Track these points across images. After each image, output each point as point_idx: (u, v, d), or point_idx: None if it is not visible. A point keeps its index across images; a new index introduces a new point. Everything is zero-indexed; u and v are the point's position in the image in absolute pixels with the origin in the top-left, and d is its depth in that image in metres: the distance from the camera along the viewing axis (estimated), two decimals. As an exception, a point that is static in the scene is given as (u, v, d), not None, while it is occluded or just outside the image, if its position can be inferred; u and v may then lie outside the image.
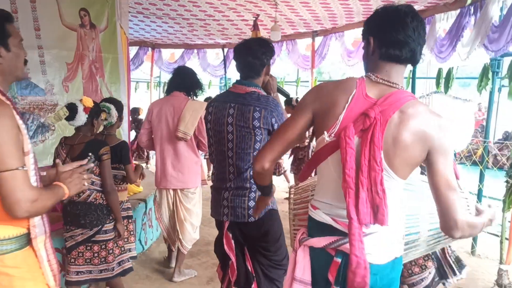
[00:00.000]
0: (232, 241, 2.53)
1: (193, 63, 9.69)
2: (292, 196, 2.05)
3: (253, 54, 2.42)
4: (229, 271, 2.57)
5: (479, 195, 4.65)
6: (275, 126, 2.37)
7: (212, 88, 11.96)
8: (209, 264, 4.21)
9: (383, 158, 1.46)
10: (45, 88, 3.59)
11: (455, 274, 2.69)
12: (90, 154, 1.88)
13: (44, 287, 1.68)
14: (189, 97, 3.63)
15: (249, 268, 2.54)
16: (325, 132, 1.53)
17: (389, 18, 1.56)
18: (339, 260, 1.54)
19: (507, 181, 3.64)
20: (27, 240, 1.62)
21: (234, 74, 12.35)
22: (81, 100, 2.73)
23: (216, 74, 9.79)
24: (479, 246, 4.63)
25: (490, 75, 4.44)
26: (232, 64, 9.61)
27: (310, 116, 1.63)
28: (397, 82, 1.56)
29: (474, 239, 4.62)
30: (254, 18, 6.12)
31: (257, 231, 2.48)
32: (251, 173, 2.40)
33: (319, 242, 1.59)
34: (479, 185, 4.59)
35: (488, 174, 4.84)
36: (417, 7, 5.21)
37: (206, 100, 7.66)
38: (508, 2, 3.92)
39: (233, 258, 2.53)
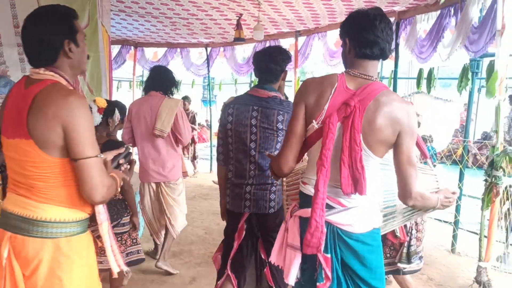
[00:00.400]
0: (244, 232, 2.75)
1: (176, 62, 9.64)
2: (284, 179, 2.35)
3: (275, 60, 2.64)
4: (231, 255, 2.79)
5: (459, 194, 4.73)
6: None
7: (195, 87, 11.91)
8: (192, 264, 4.20)
9: (362, 140, 1.74)
10: (24, 86, 3.53)
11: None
12: (126, 145, 2.06)
13: (96, 275, 1.82)
14: (166, 96, 3.84)
15: (263, 256, 2.80)
16: (314, 121, 1.82)
17: (360, 21, 1.83)
18: (325, 229, 1.76)
19: (485, 180, 3.71)
20: (87, 225, 1.77)
21: (217, 74, 12.35)
22: (94, 101, 2.89)
23: (199, 73, 9.75)
24: (458, 244, 4.71)
25: (469, 76, 4.52)
26: (215, 64, 9.60)
27: (304, 109, 1.88)
28: (372, 75, 1.84)
29: (454, 237, 4.70)
30: (237, 18, 6.12)
31: (273, 221, 2.70)
32: None
33: (307, 212, 1.80)
34: (459, 184, 4.67)
35: (468, 173, 4.93)
36: (398, 8, 5.28)
37: (182, 98, 7.89)
38: (487, 4, 3.99)
39: (235, 247, 2.75)
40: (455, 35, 4.39)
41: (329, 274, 1.79)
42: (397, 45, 5.45)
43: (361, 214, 1.82)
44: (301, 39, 7.32)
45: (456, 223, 4.71)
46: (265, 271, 2.78)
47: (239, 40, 6.24)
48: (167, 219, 3.97)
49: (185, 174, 4.27)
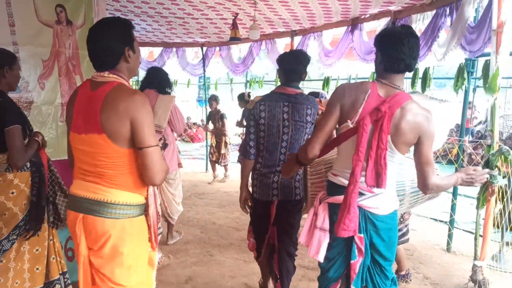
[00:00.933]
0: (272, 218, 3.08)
1: (172, 62, 9.62)
2: (308, 169, 2.65)
3: (301, 62, 2.99)
4: (266, 239, 3.15)
5: (454, 193, 4.75)
6: None
7: (191, 87, 11.89)
8: (188, 263, 4.20)
9: (390, 140, 2.10)
10: (20, 85, 3.48)
11: None
12: (162, 137, 2.32)
13: (147, 253, 2.11)
14: (159, 94, 4.04)
15: (275, 245, 3.15)
16: (348, 121, 2.15)
17: (391, 40, 2.15)
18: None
19: (481, 179, 3.71)
20: (144, 208, 2.07)
21: (212, 73, 12.32)
22: None
23: (195, 73, 9.73)
24: (454, 243, 4.73)
25: (465, 75, 4.53)
26: (211, 63, 9.59)
27: (339, 109, 2.20)
28: (398, 85, 2.18)
29: (450, 236, 4.71)
30: (233, 17, 6.11)
31: (297, 207, 3.07)
32: None
33: (338, 199, 2.19)
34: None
35: (463, 172, 4.93)
36: (393, 7, 5.29)
37: (210, 98, 8.08)
38: (484, 3, 4.01)
39: (270, 231, 3.13)
40: (450, 34, 4.40)
41: (363, 251, 2.18)
42: (392, 44, 5.46)
43: (385, 199, 2.21)
44: (297, 39, 7.32)
45: (451, 222, 4.73)
46: (274, 257, 3.18)
47: (235, 39, 6.24)
48: (166, 214, 4.43)
49: (179, 165, 4.53)
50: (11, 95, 3.44)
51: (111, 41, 1.93)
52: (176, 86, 11.89)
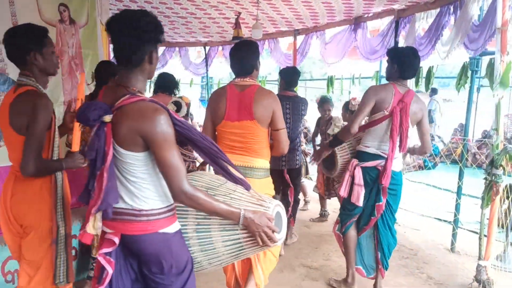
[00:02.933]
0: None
1: (174, 61, 9.61)
2: (337, 151, 3.62)
3: (297, 74, 4.60)
4: (289, 193, 4.52)
5: (459, 193, 4.71)
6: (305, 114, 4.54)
7: (193, 86, 11.89)
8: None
9: (409, 121, 3.27)
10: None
11: None
12: None
13: None
14: (171, 96, 4.29)
15: (290, 198, 4.52)
16: (384, 110, 3.27)
17: (407, 58, 3.29)
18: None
19: (485, 179, 3.69)
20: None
21: (215, 73, 12.32)
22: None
23: (198, 72, 9.72)
24: (458, 243, 4.70)
25: (469, 74, 4.50)
26: (214, 63, 9.58)
27: (374, 102, 3.30)
28: (408, 85, 3.40)
29: (454, 236, 4.69)
30: (236, 16, 6.10)
31: (298, 172, 4.62)
32: (298, 139, 4.52)
33: (372, 163, 3.36)
34: (458, 183, 4.66)
35: (467, 172, 4.92)
36: (397, 6, 5.27)
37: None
38: (488, 1, 3.98)
39: (291, 185, 4.49)
40: (453, 32, 4.38)
41: (385, 196, 3.38)
42: (396, 43, 5.44)
43: (397, 160, 3.38)
44: (300, 38, 7.31)
45: (455, 221, 4.70)
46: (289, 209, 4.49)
47: (237, 39, 6.22)
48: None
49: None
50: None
51: (251, 58, 2.85)
52: (191, 87, 11.88)
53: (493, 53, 3.75)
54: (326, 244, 4.82)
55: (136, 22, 1.76)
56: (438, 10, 4.69)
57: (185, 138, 1.85)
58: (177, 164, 1.74)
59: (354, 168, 3.38)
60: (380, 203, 3.37)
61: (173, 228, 1.87)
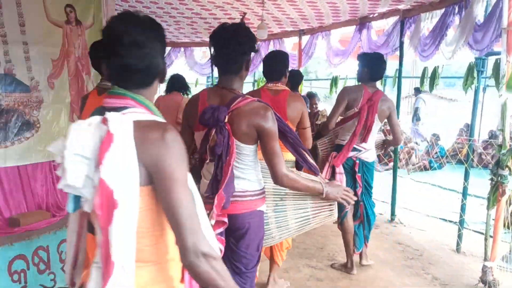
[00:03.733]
0: None
1: (180, 61, 9.62)
2: (318, 142, 4.09)
3: (301, 77, 5.21)
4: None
5: (464, 193, 4.70)
6: None
7: (199, 86, 11.92)
8: (197, 262, 4.20)
9: (376, 117, 3.78)
10: (30, 84, 3.52)
11: None
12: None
13: None
14: (183, 95, 4.92)
15: None
16: (355, 108, 3.76)
17: (375, 61, 3.87)
18: (358, 161, 3.90)
19: (491, 179, 3.68)
20: None
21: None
22: None
23: (203, 72, 9.73)
24: (464, 244, 4.68)
25: (475, 74, 4.49)
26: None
27: (347, 101, 3.80)
28: (377, 86, 3.94)
29: (459, 237, 4.67)
30: (241, 17, 6.11)
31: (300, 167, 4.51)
32: None
33: (350, 155, 3.85)
34: (464, 183, 4.64)
35: (473, 173, 4.91)
36: (402, 6, 5.26)
37: (309, 95, 8.13)
38: (493, 1, 3.97)
39: None
40: (458, 32, 4.36)
41: (361, 184, 3.91)
42: (401, 43, 5.43)
43: (371, 152, 3.95)
44: (305, 38, 7.31)
45: (461, 222, 4.69)
46: None
47: (243, 39, 6.23)
48: None
49: None
50: (21, 94, 3.48)
51: (282, 66, 3.36)
52: (196, 87, 11.91)
53: (499, 53, 3.74)
54: (331, 244, 4.83)
55: (236, 37, 2.09)
56: (443, 10, 4.68)
57: (280, 130, 2.18)
58: (280, 152, 2.11)
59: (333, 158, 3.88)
60: (358, 189, 3.90)
61: (264, 207, 2.26)
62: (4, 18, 3.29)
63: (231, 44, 2.08)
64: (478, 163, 8.39)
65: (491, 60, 4.40)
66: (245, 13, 6.05)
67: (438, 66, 5.22)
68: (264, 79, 3.56)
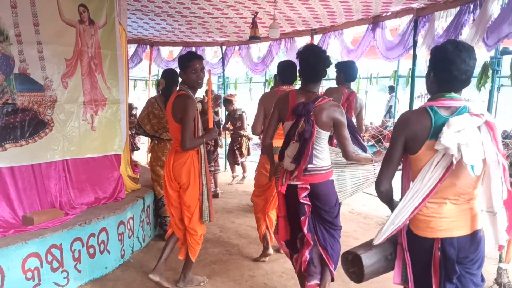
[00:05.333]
0: None
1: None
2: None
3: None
4: None
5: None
6: None
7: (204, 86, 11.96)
8: (207, 262, 4.21)
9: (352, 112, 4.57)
10: (44, 84, 3.55)
11: None
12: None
13: None
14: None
15: None
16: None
17: (347, 66, 4.63)
18: None
19: (506, 180, 3.63)
20: None
21: (231, 73, 12.34)
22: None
23: (214, 72, 9.75)
24: (477, 245, 4.62)
25: (489, 74, 4.43)
26: (230, 63, 9.60)
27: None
28: (351, 88, 4.71)
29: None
30: (253, 16, 6.10)
31: None
32: None
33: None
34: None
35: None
36: (416, 5, 5.21)
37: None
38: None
39: None
40: (472, 31, 4.31)
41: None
42: (415, 42, 5.38)
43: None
44: (317, 37, 7.27)
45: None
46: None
47: (254, 38, 6.23)
48: None
49: None
50: (35, 93, 3.51)
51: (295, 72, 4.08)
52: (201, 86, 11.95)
53: (513, 52, 3.69)
54: (342, 245, 4.77)
55: (322, 56, 3.00)
56: (457, 8, 4.63)
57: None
58: (349, 136, 3.00)
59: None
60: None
61: (332, 177, 3.11)
62: (18, 18, 3.32)
63: (320, 61, 2.97)
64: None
65: (505, 60, 4.34)
66: (257, 13, 6.04)
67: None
68: (272, 78, 4.12)
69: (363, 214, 5.99)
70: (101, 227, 3.74)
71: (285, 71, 4.14)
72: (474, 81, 4.92)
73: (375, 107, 13.94)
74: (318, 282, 3.18)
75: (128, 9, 5.50)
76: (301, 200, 2.96)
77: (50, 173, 3.69)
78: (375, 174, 3.26)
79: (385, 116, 13.11)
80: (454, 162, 1.88)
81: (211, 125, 3.50)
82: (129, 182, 4.61)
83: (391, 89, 12.77)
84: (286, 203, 3.13)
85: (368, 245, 2.30)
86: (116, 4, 4.31)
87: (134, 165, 5.06)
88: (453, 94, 2.01)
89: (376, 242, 2.17)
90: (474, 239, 2.06)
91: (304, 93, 3.02)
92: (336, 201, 3.12)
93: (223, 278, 3.85)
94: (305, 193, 2.97)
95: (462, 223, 2.04)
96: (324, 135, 2.95)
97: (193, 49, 9.45)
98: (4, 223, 3.29)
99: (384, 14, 5.84)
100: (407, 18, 5.53)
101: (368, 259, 2.27)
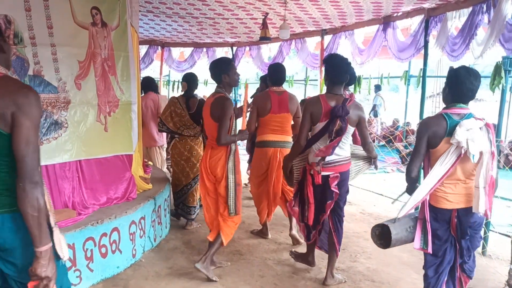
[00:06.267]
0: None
1: (202, 61, 9.69)
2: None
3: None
4: None
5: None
6: None
7: (209, 86, 12.03)
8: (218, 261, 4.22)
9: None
10: (58, 85, 3.60)
11: None
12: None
13: None
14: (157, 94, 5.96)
15: None
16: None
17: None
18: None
19: (519, 181, 3.64)
20: None
21: (242, 73, 12.37)
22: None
23: (225, 72, 9.79)
24: (489, 246, 4.60)
25: (503, 74, 4.40)
26: (241, 63, 9.64)
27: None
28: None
29: (485, 239, 4.58)
30: (263, 17, 6.13)
31: None
32: None
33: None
34: (490, 185, 4.55)
35: (500, 174, 4.79)
36: (427, 5, 5.19)
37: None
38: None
39: None
40: (488, 32, 4.28)
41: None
42: (426, 43, 5.36)
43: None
44: (327, 38, 7.27)
45: (487, 225, 4.59)
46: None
47: (265, 39, 6.26)
48: None
49: None
50: (50, 95, 3.55)
51: (284, 74, 4.67)
52: (206, 86, 12.00)
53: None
54: (353, 245, 4.79)
55: (348, 62, 3.57)
56: (470, 9, 4.60)
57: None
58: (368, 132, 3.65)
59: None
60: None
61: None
62: (33, 20, 3.37)
63: (347, 67, 3.53)
64: (505, 164, 8.21)
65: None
66: (267, 13, 6.06)
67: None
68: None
69: (374, 215, 5.97)
70: (113, 227, 3.78)
71: (276, 74, 4.55)
72: (487, 81, 4.91)
73: (386, 106, 13.94)
74: (326, 249, 3.87)
75: (139, 10, 5.55)
76: (332, 188, 3.49)
77: (63, 174, 3.73)
78: (368, 167, 4.08)
79: (369, 114, 13.48)
80: (463, 152, 2.64)
81: (244, 127, 3.86)
82: (141, 182, 4.65)
83: (377, 88, 13.27)
84: (314, 190, 3.61)
85: (392, 220, 2.98)
86: (128, 6, 4.34)
87: (145, 165, 5.10)
88: (462, 105, 2.77)
89: (400, 215, 2.90)
90: None
91: (333, 96, 3.48)
92: (348, 188, 3.71)
93: (233, 278, 3.87)
94: (336, 182, 3.50)
95: (470, 197, 2.77)
96: (351, 130, 3.50)
97: (204, 49, 9.51)
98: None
99: (395, 14, 5.83)
100: (418, 18, 5.51)
101: (393, 229, 2.92)
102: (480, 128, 2.68)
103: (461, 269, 2.97)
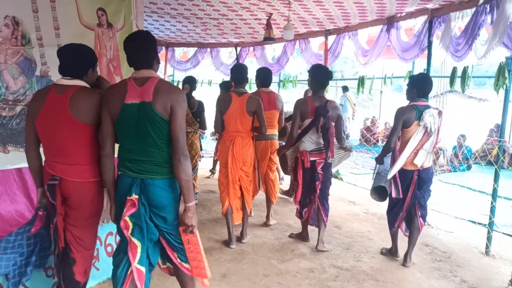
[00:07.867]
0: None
1: (206, 62, 9.72)
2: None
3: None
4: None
5: (494, 195, 4.61)
6: None
7: (213, 86, 12.05)
8: (222, 260, 4.25)
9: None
10: (64, 86, 3.62)
11: None
12: None
13: None
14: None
15: None
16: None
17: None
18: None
19: (522, 181, 3.66)
20: None
21: (246, 73, 12.40)
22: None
23: (229, 73, 9.80)
24: (493, 246, 4.60)
25: (506, 74, 4.40)
26: (245, 63, 9.64)
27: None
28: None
29: (489, 239, 4.59)
30: (267, 17, 6.15)
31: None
32: None
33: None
34: (494, 185, 4.56)
35: (503, 174, 4.81)
36: (431, 5, 5.19)
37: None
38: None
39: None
40: (491, 33, 4.28)
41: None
42: (430, 43, 5.37)
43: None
44: (331, 38, 7.28)
45: (490, 224, 4.60)
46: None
47: (269, 39, 6.28)
48: None
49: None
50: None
51: (271, 76, 5.53)
52: (210, 86, 12.04)
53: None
54: (357, 245, 4.81)
55: (329, 71, 4.61)
56: (474, 9, 4.60)
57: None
58: None
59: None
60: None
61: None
62: (40, 22, 3.40)
63: (328, 75, 4.53)
64: (508, 165, 8.21)
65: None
66: (271, 14, 6.09)
67: (467, 67, 5.13)
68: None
69: (378, 215, 5.99)
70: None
71: (265, 77, 5.20)
72: (491, 81, 4.90)
73: (390, 106, 13.92)
74: (317, 224, 4.62)
75: (144, 11, 5.58)
76: (318, 171, 4.37)
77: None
78: (347, 157, 4.94)
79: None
80: (428, 130, 3.92)
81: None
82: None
83: (345, 89, 14.62)
84: (304, 173, 4.45)
85: (383, 181, 4.34)
86: (133, 7, 4.37)
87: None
88: (423, 99, 4.06)
89: (389, 176, 4.13)
90: (429, 168, 4.14)
91: (317, 98, 4.38)
92: (331, 172, 4.64)
93: (238, 277, 3.89)
94: (321, 165, 4.37)
95: (427, 162, 4.03)
96: (332, 126, 4.34)
97: (208, 50, 9.53)
98: (24, 220, 3.37)
99: (399, 15, 5.84)
100: (422, 19, 5.52)
101: (388, 187, 4.30)
102: (437, 114, 3.96)
103: (420, 213, 4.19)
